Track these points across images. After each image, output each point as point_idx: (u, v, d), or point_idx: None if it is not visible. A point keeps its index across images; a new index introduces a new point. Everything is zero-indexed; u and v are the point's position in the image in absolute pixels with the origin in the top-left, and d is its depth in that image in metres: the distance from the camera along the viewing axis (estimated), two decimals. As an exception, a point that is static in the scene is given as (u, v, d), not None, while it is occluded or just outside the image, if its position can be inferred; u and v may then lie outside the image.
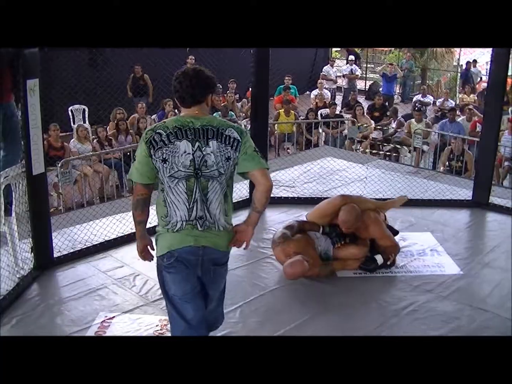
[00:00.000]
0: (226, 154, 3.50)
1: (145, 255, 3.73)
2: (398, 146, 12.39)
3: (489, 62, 8.18)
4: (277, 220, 6.65)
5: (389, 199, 6.60)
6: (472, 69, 18.42)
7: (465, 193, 7.56)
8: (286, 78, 14.80)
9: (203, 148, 3.46)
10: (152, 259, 3.75)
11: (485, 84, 16.14)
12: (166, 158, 3.43)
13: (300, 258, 5.28)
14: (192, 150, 3.45)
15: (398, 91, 19.71)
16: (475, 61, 18.46)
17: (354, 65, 18.22)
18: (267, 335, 4.50)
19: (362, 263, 5.60)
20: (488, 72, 8.78)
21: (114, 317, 4.75)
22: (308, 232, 5.62)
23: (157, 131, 3.47)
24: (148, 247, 3.72)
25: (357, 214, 5.53)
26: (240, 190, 7.06)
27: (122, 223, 6.15)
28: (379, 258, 5.60)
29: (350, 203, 5.61)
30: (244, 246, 3.73)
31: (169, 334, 4.48)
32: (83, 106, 12.63)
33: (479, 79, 18.50)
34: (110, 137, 10.58)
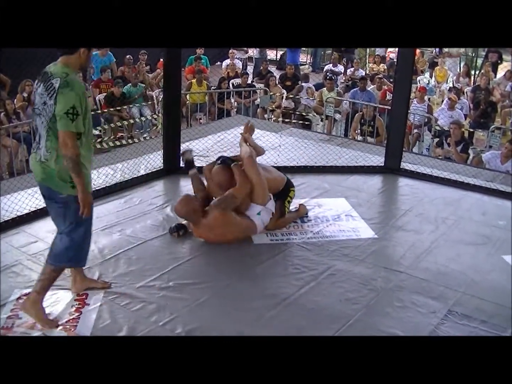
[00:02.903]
0: (43, 99, 3.97)
1: None
2: (310, 115, 12.48)
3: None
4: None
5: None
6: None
7: (378, 160, 7.70)
8: (198, 48, 14.69)
9: (37, 89, 4.05)
10: None
11: (393, 55, 16.48)
12: None
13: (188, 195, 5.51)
14: (36, 88, 4.09)
15: (309, 61, 19.83)
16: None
17: (264, 34, 18.11)
18: (188, 304, 4.51)
19: None
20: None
21: (30, 293, 4.62)
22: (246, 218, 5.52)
23: None
24: None
25: (225, 174, 5.54)
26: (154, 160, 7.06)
27: (34, 197, 5.98)
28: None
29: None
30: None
31: (88, 308, 4.43)
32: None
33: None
34: (18, 110, 10.27)
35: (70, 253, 4.21)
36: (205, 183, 5.72)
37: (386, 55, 18.04)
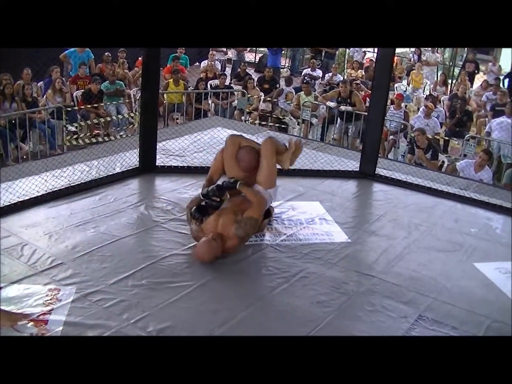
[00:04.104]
0: None
1: None
2: (286, 118, 12.53)
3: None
4: (168, 188, 6.61)
5: None
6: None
7: (353, 164, 7.71)
8: (180, 48, 14.68)
9: None
10: None
11: (372, 60, 16.59)
12: None
13: (208, 238, 5.07)
14: None
15: (287, 64, 19.89)
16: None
17: (244, 37, 18.12)
18: (161, 303, 4.49)
19: None
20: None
21: (1, 288, 4.57)
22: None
23: None
24: None
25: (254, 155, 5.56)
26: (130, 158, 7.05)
27: (8, 191, 5.94)
28: None
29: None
30: None
31: (59, 304, 4.41)
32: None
33: (362, 53, 18.95)
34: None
35: None
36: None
37: (365, 62, 18.15)
